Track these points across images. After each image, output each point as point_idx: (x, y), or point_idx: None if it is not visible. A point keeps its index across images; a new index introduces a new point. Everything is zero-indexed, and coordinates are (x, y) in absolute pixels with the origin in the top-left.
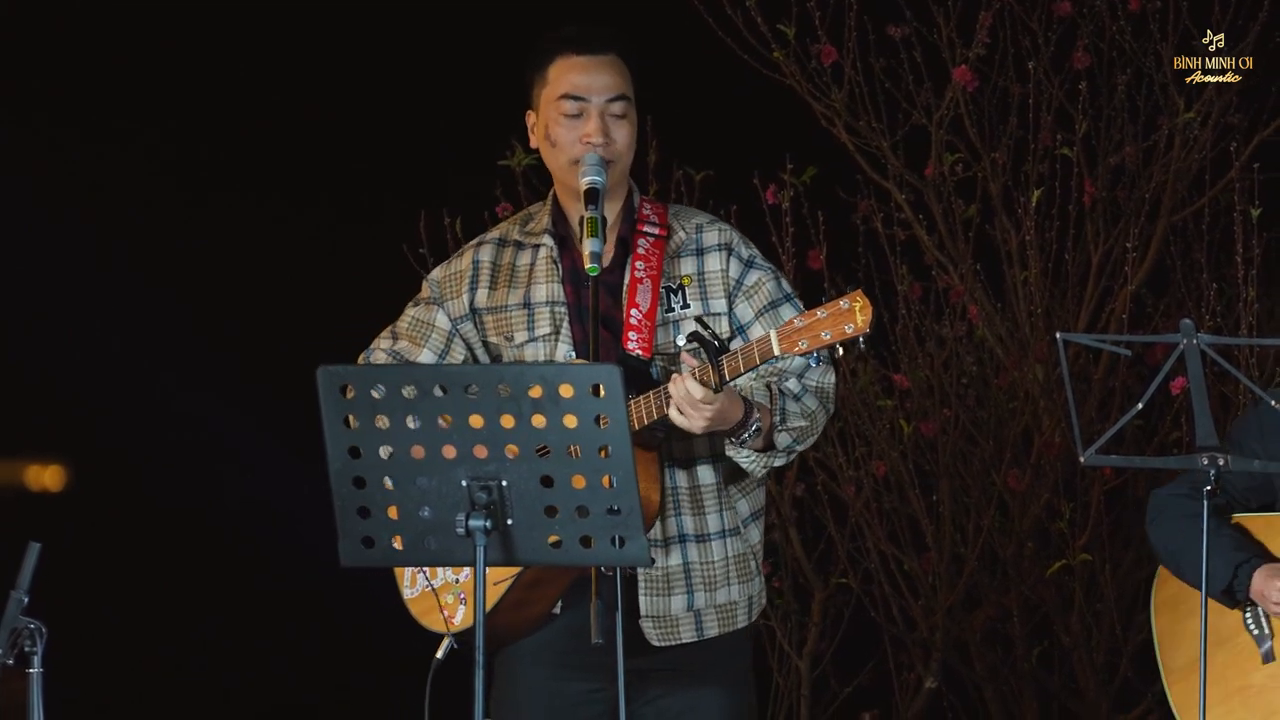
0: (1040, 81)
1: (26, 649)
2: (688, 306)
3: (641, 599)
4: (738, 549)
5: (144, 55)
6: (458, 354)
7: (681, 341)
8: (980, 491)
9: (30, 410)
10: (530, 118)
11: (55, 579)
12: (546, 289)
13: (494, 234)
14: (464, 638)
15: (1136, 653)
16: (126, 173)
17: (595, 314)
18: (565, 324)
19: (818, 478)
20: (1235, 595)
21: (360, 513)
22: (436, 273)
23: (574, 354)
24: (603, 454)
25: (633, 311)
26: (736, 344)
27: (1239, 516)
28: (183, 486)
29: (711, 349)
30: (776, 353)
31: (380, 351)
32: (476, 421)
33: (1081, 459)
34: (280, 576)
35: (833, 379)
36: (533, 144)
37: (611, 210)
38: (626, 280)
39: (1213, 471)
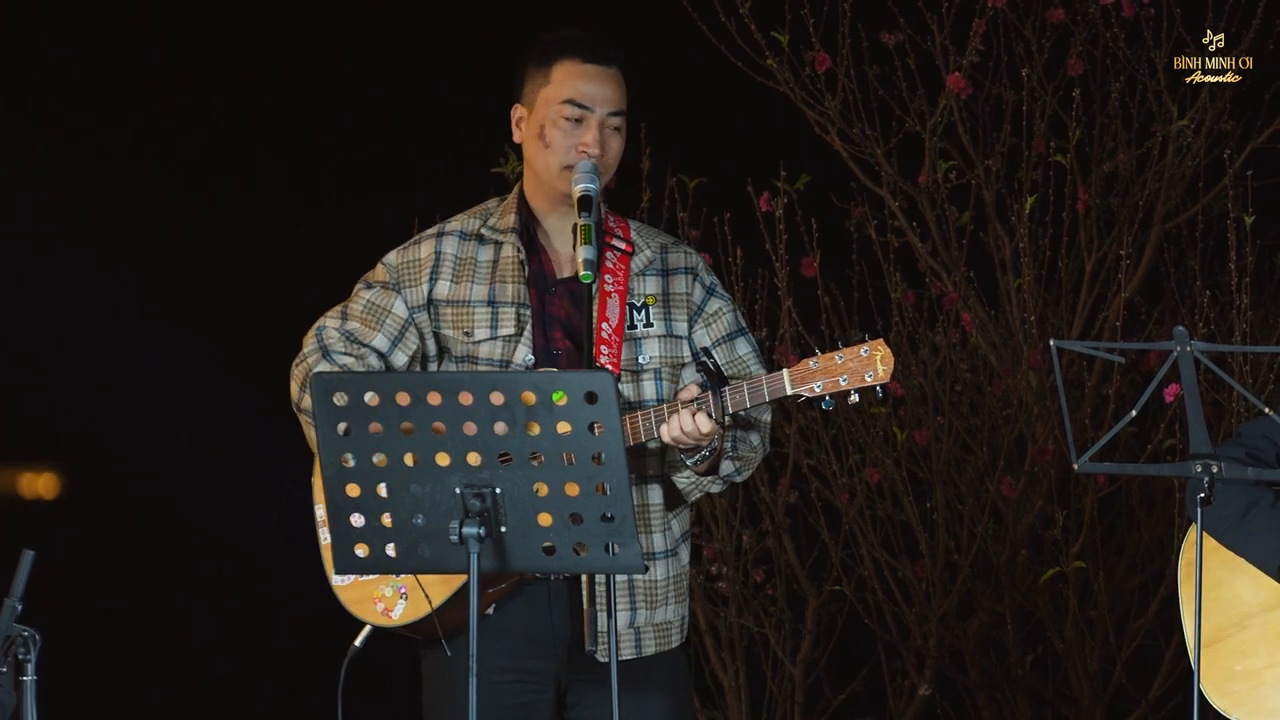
0: (1034, 89)
1: (20, 657)
2: (651, 325)
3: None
4: (675, 569)
5: (144, 51)
6: (411, 342)
7: (644, 360)
8: (974, 499)
9: (23, 417)
10: (518, 111)
11: (49, 586)
12: (513, 289)
13: (454, 225)
14: (398, 633)
15: (1130, 659)
16: (121, 173)
17: (589, 322)
18: (528, 327)
19: (811, 485)
20: None
21: (354, 520)
22: (393, 257)
23: (533, 358)
24: (596, 461)
25: (603, 325)
26: (690, 374)
27: None
28: (179, 491)
29: (718, 381)
30: (789, 392)
31: (333, 331)
32: (470, 429)
33: (1075, 466)
34: (279, 579)
35: (769, 417)
36: (517, 138)
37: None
38: (595, 292)
39: (1206, 479)
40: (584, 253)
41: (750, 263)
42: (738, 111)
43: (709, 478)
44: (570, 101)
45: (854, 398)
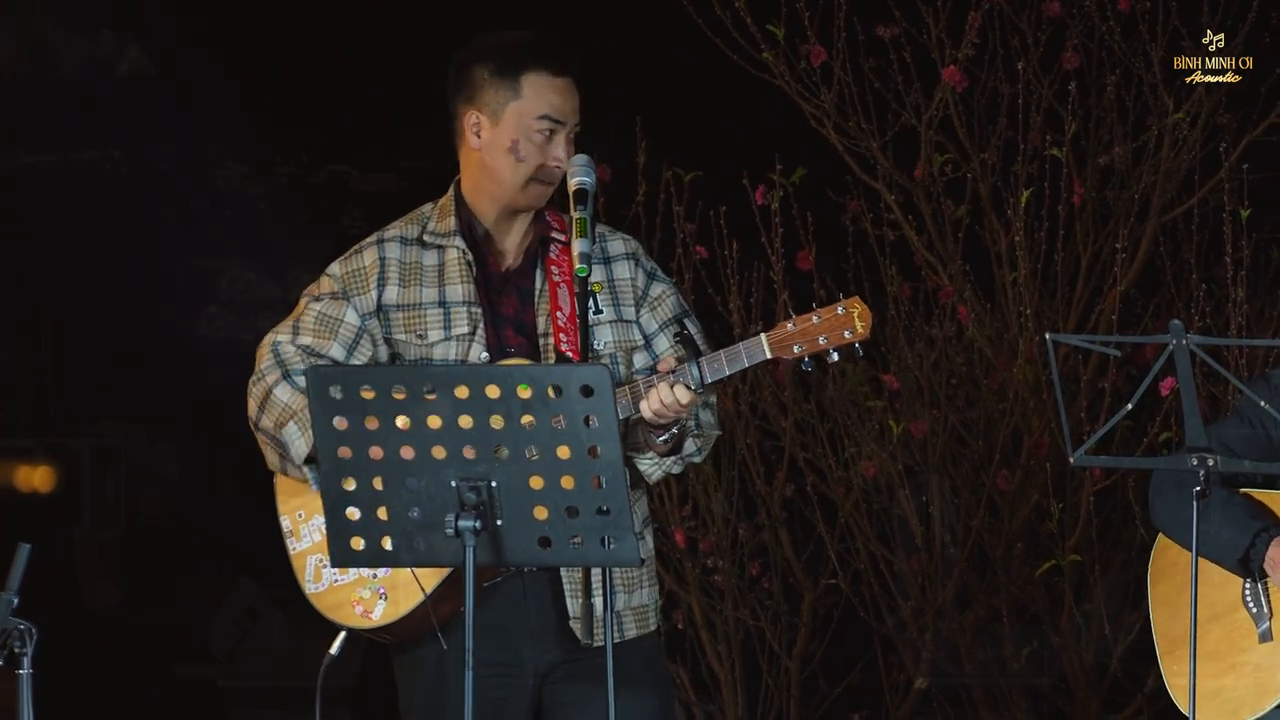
0: (1029, 82)
1: (16, 650)
2: (600, 312)
3: (568, 601)
4: (644, 553)
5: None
6: (365, 349)
7: (600, 346)
8: (970, 492)
9: (20, 410)
10: (472, 116)
11: (46, 583)
12: (463, 289)
13: (393, 232)
14: (372, 636)
15: (1126, 653)
16: (117, 172)
17: (584, 316)
18: (480, 326)
19: (807, 478)
20: (1251, 563)
21: (350, 513)
22: (336, 268)
23: (487, 356)
24: (592, 454)
25: (558, 314)
26: (641, 357)
27: (1244, 490)
28: (179, 490)
29: (694, 349)
30: (768, 356)
31: (289, 348)
32: (466, 422)
33: (1071, 460)
34: (279, 579)
35: (715, 398)
36: (474, 145)
37: (524, 220)
38: (543, 286)
39: (1202, 472)
40: (580, 246)
41: (746, 256)
42: (733, 105)
43: (671, 458)
44: (546, 117)
45: (834, 357)
